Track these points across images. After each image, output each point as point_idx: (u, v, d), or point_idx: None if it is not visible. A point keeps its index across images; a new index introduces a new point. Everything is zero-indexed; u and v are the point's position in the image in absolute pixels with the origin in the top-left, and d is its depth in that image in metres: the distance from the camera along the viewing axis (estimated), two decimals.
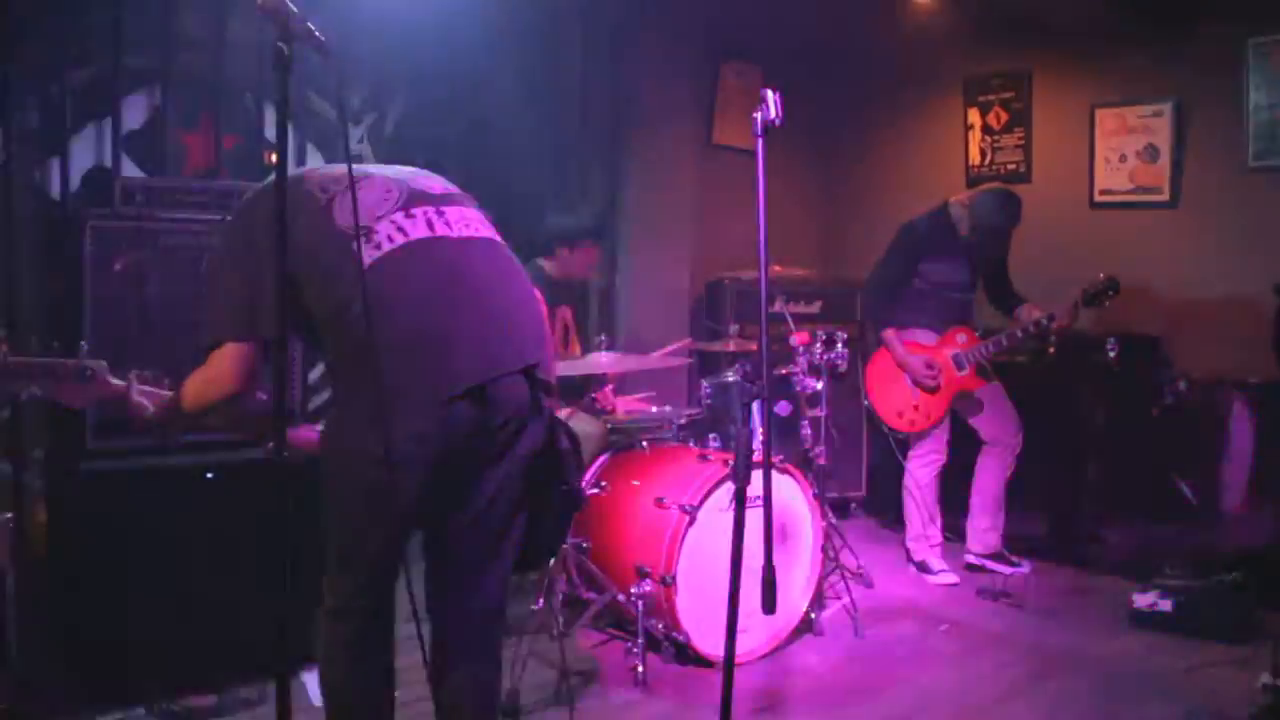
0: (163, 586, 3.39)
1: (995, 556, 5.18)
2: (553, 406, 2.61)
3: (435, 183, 2.64)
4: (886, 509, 6.03)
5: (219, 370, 2.39)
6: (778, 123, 2.38)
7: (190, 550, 3.44)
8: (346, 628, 2.47)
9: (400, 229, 2.43)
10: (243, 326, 2.36)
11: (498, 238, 2.65)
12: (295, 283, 2.33)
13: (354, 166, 2.43)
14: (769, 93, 2.38)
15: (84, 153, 4.21)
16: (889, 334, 5.12)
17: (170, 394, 2.47)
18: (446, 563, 2.60)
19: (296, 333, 2.50)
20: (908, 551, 5.30)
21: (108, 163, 4.25)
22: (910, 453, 5.25)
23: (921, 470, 5.20)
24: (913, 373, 5.05)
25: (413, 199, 2.51)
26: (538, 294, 2.73)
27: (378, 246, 2.38)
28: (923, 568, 5.19)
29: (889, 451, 5.31)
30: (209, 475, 3.57)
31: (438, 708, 2.61)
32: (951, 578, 5.09)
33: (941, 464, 5.21)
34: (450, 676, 2.61)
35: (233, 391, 2.40)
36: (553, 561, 4.05)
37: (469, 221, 2.58)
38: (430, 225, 2.48)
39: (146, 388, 2.49)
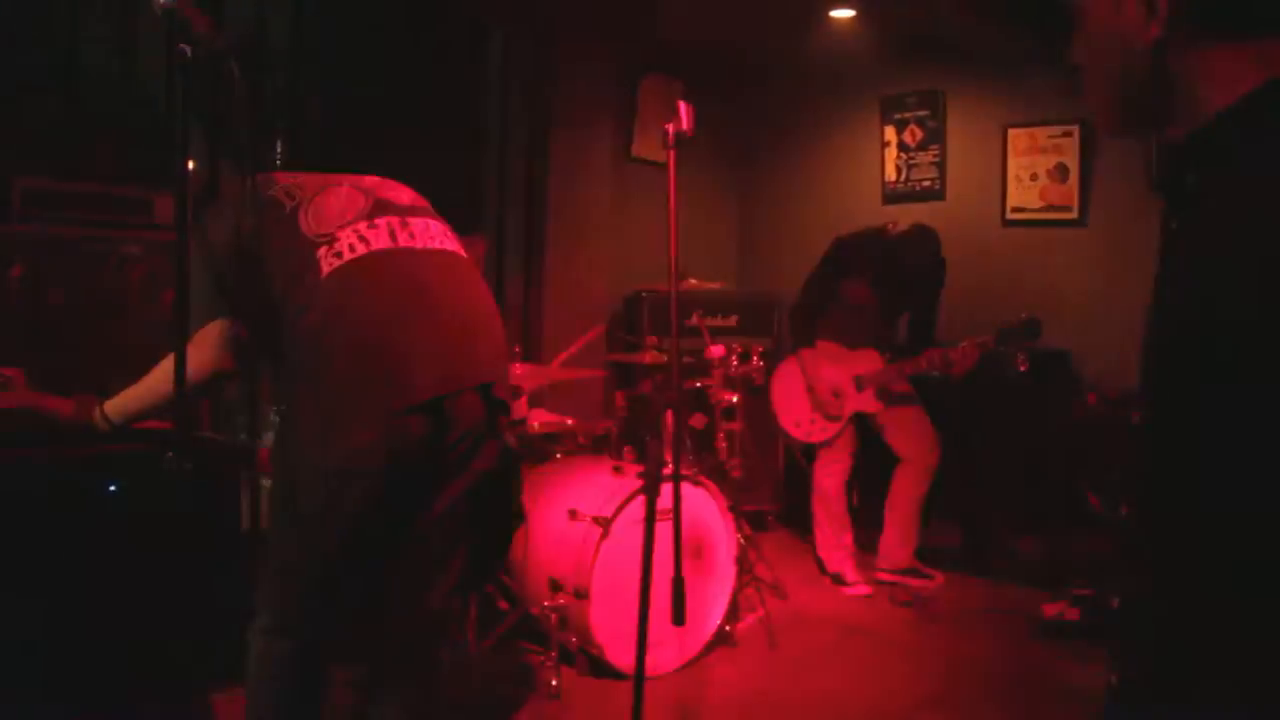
0: (71, 604, 3.27)
1: (907, 571, 5.22)
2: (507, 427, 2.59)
3: (404, 194, 2.63)
4: (801, 521, 6.07)
5: (209, 347, 2.35)
6: (690, 135, 2.40)
7: (98, 567, 3.33)
8: (283, 646, 2.41)
9: (362, 238, 2.41)
10: (226, 309, 2.37)
11: (462, 251, 2.63)
12: (261, 287, 2.35)
13: (321, 175, 2.48)
14: (681, 104, 2.40)
15: None
16: (804, 354, 5.19)
17: (95, 402, 2.45)
18: (393, 579, 2.55)
19: (256, 338, 2.46)
20: (821, 562, 5.33)
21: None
22: (815, 462, 5.30)
23: (827, 480, 5.24)
24: (818, 396, 5.12)
25: (378, 209, 2.50)
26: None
27: (338, 255, 2.36)
28: (837, 579, 5.22)
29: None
30: (111, 489, 3.46)
31: None
32: (865, 589, 5.13)
33: (848, 473, 5.26)
34: (389, 696, 2.58)
35: (223, 368, 2.38)
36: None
37: (433, 234, 2.57)
38: (393, 236, 2.46)
39: (56, 397, 2.45)
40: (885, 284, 5.14)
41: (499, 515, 2.63)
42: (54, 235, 3.47)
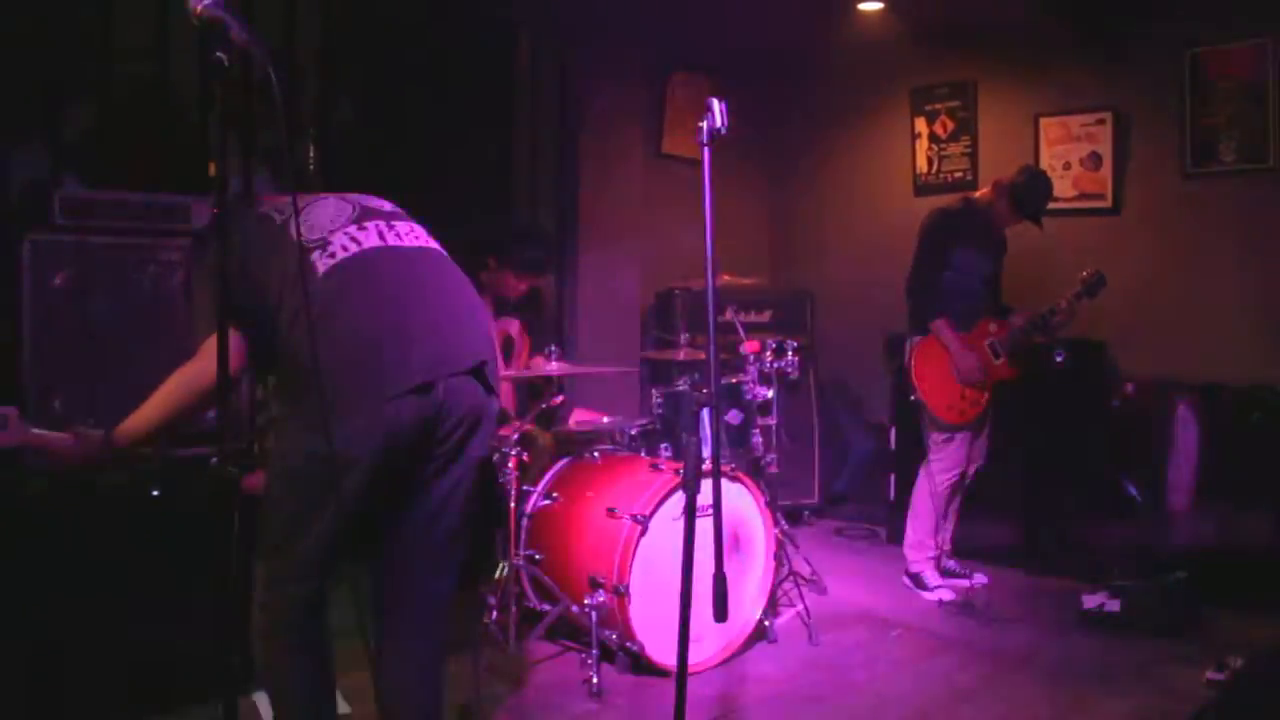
0: (110, 606, 3.31)
1: (943, 572, 5.12)
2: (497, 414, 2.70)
3: (385, 203, 2.80)
4: (837, 516, 6.07)
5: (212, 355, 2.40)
6: (723, 131, 2.40)
7: (138, 569, 3.37)
8: (278, 617, 2.50)
9: (354, 239, 2.56)
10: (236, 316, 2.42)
11: (444, 251, 2.79)
12: (255, 297, 2.44)
13: (303, 194, 2.61)
14: (714, 101, 2.40)
15: (22, 165, 4.14)
16: (939, 323, 4.91)
17: (100, 433, 2.45)
18: (399, 564, 2.65)
19: (256, 345, 2.51)
20: (905, 559, 5.13)
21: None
22: (932, 457, 5.05)
23: (944, 475, 5.01)
24: (963, 368, 4.88)
25: (365, 214, 2.66)
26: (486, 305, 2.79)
27: (332, 255, 2.51)
28: (917, 581, 5.05)
29: (840, 459, 5.30)
30: (154, 493, 3.50)
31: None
32: (947, 594, 4.93)
33: (958, 476, 5.04)
34: (396, 679, 2.65)
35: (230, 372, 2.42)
36: (504, 574, 4.05)
37: (417, 234, 2.74)
38: (382, 236, 2.62)
39: (56, 434, 2.44)
40: (991, 248, 5.07)
41: (485, 511, 2.74)
42: (93, 243, 3.52)
